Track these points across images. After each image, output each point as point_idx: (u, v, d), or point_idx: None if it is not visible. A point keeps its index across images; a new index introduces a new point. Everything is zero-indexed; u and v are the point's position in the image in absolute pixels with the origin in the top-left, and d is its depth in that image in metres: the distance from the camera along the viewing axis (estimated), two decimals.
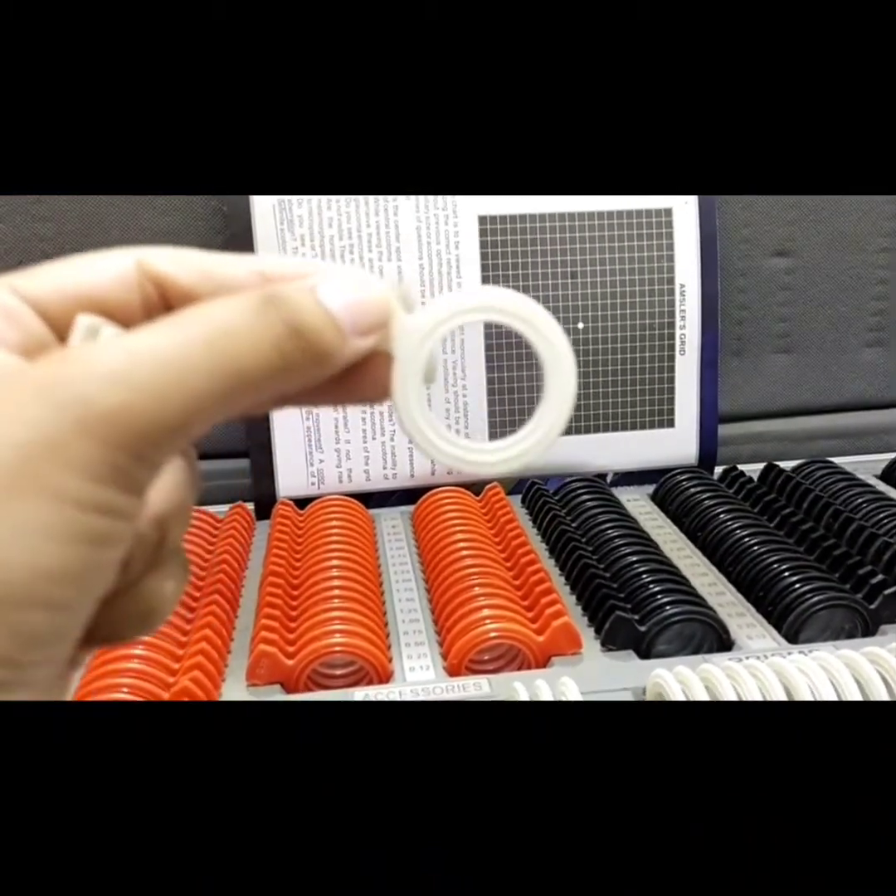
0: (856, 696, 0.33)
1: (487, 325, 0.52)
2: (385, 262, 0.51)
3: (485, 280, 0.52)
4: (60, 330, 0.17)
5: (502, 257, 0.52)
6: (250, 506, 0.53)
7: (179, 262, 0.17)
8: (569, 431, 0.53)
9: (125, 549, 0.15)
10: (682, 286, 0.54)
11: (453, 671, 0.38)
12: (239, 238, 0.50)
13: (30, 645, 0.14)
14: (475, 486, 0.53)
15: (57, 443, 0.14)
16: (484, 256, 0.52)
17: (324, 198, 0.50)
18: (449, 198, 0.51)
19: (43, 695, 0.15)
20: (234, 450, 0.56)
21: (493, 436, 0.54)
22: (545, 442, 0.18)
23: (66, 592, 0.14)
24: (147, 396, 0.14)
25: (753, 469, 0.55)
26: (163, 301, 0.18)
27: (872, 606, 0.41)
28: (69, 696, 0.17)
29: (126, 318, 0.17)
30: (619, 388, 0.54)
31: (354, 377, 0.17)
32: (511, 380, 0.53)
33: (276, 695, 0.37)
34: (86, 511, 0.14)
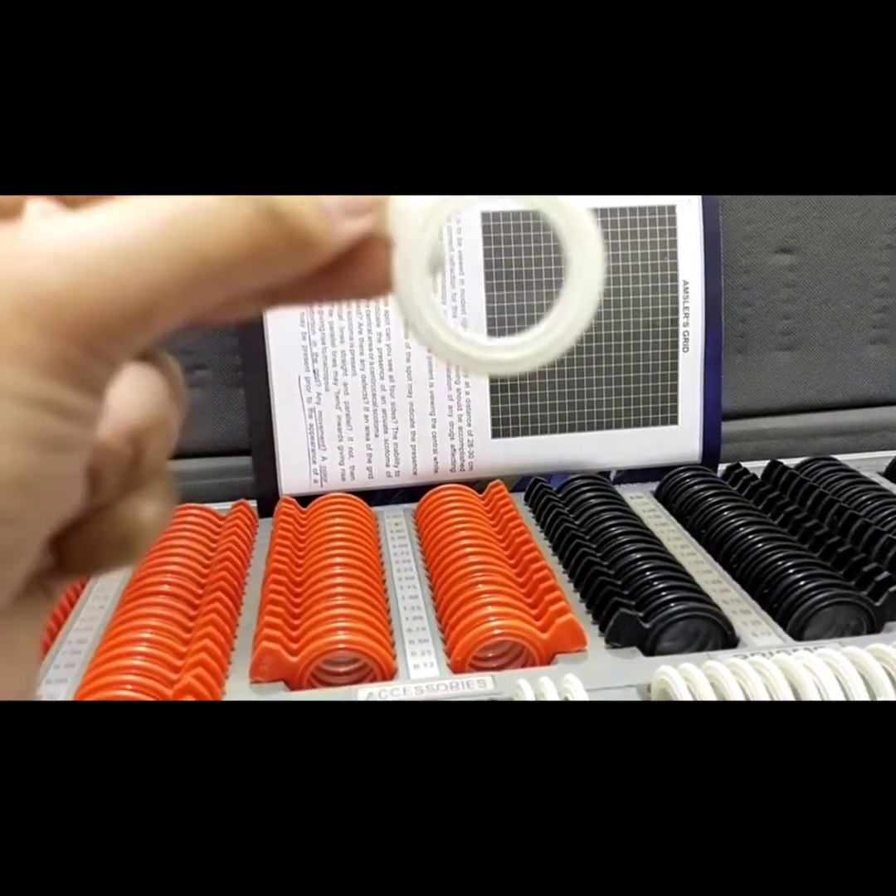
0: (862, 693, 0.33)
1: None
2: None
3: (488, 277, 0.52)
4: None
5: (505, 254, 0.52)
6: (253, 503, 0.53)
7: None
8: (572, 428, 0.53)
9: (84, 457, 0.14)
10: (686, 283, 0.54)
11: (457, 668, 0.38)
12: None
13: None
14: (478, 484, 0.53)
15: (25, 352, 0.12)
16: (487, 253, 0.52)
17: None
18: None
19: None
20: (236, 447, 0.56)
21: (495, 434, 0.54)
22: (569, 336, 0.16)
23: (14, 502, 0.13)
24: (97, 279, 0.13)
25: (757, 466, 0.55)
26: None
27: (877, 603, 0.41)
28: (38, 632, 0.16)
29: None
30: (623, 386, 0.54)
31: (350, 268, 0.15)
32: (514, 376, 0.53)
33: (279, 692, 0.37)
34: (33, 408, 0.13)
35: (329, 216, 0.14)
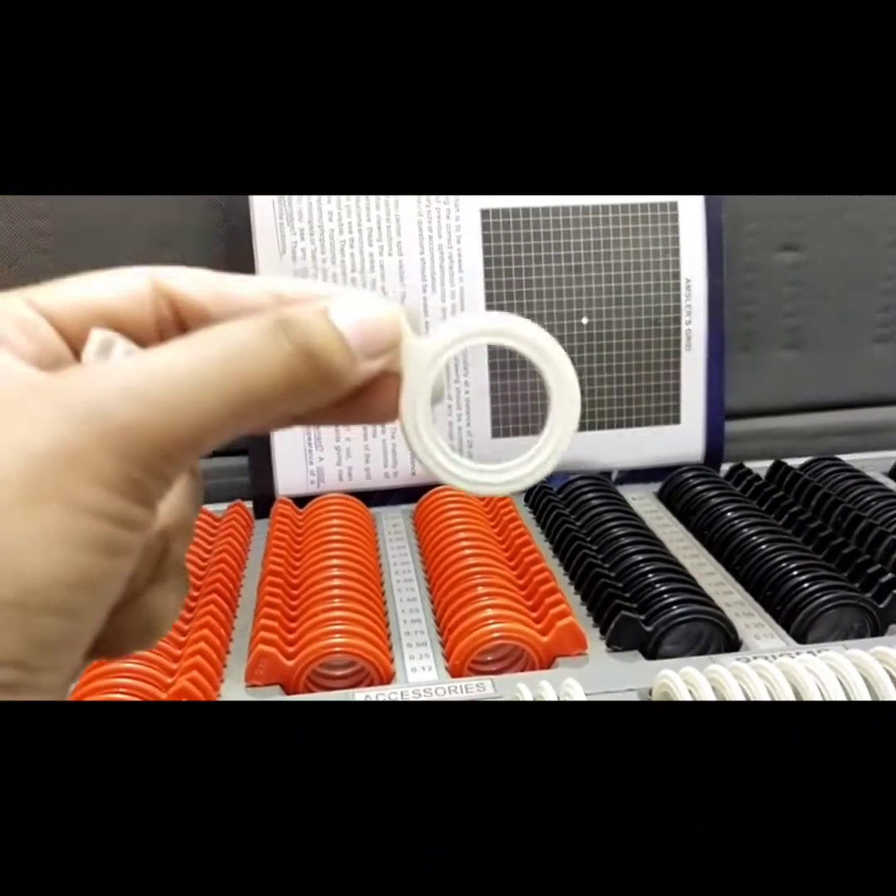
0: (865, 696, 0.32)
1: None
2: (386, 257, 0.51)
3: (487, 275, 0.52)
4: (75, 344, 0.17)
5: (505, 251, 0.51)
6: (249, 504, 0.53)
7: (194, 282, 0.18)
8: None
9: (137, 559, 0.16)
10: (688, 280, 0.53)
11: (456, 672, 0.37)
12: (238, 232, 0.50)
13: (43, 650, 0.14)
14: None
15: (75, 454, 0.14)
16: (486, 251, 0.51)
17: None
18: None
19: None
20: (231, 447, 0.55)
21: (495, 434, 0.54)
22: (546, 467, 0.19)
23: (80, 599, 0.15)
24: (162, 411, 0.15)
25: (761, 466, 0.55)
26: (176, 319, 0.18)
27: (882, 606, 0.40)
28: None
29: (139, 334, 0.18)
30: (624, 385, 0.54)
31: (364, 398, 0.18)
32: (514, 376, 0.53)
33: (275, 696, 0.37)
34: (101, 520, 0.15)
35: (354, 357, 0.17)
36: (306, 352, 0.16)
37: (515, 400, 0.53)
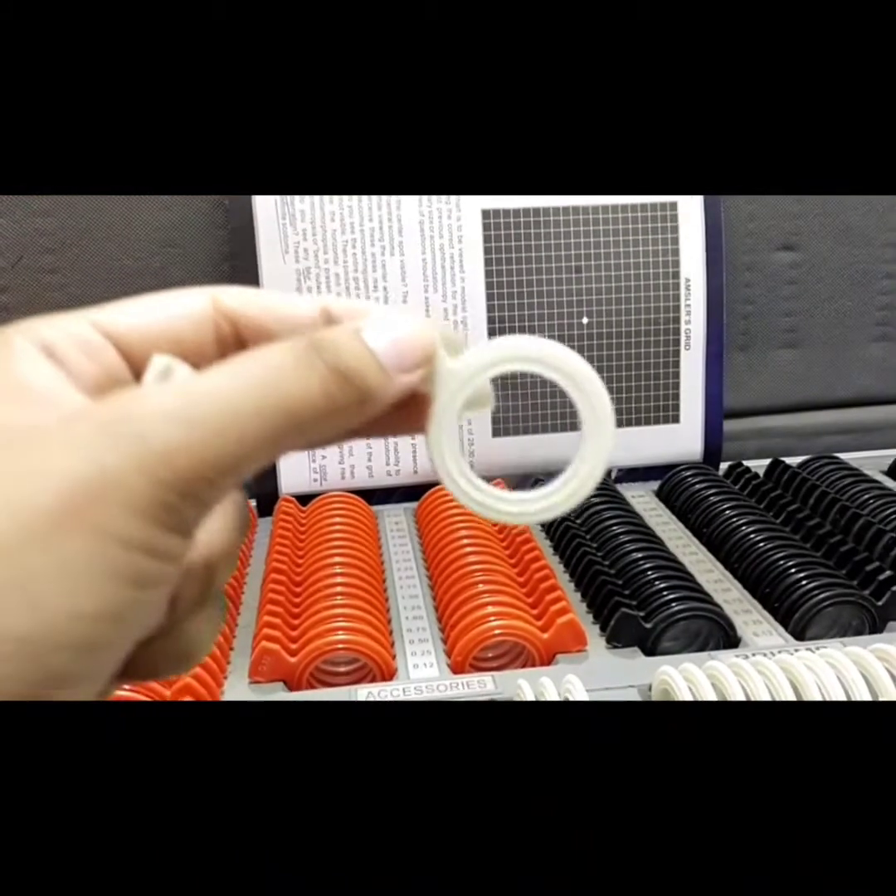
0: (864, 693, 0.32)
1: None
2: (388, 257, 0.51)
3: (488, 275, 0.52)
4: (138, 366, 0.17)
5: (506, 252, 0.52)
6: (252, 502, 0.53)
7: (253, 301, 0.18)
8: (572, 427, 0.53)
9: (169, 590, 0.15)
10: (688, 280, 0.53)
11: (457, 669, 0.38)
12: (241, 232, 0.50)
13: (62, 684, 0.14)
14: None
15: (112, 478, 0.14)
16: (487, 251, 0.52)
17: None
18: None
19: None
20: None
21: (496, 433, 0.54)
22: (573, 499, 0.18)
23: (102, 633, 0.14)
24: (201, 436, 0.15)
25: (759, 465, 0.55)
26: (236, 338, 0.18)
27: (880, 603, 0.40)
28: None
29: (200, 354, 0.18)
30: (624, 384, 0.54)
31: (402, 411, 0.18)
32: (514, 376, 0.53)
33: (278, 692, 0.37)
34: (132, 551, 0.14)
35: (388, 374, 0.17)
36: (340, 372, 0.16)
37: (515, 400, 0.53)
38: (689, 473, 0.53)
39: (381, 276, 0.51)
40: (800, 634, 0.40)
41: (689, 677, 0.33)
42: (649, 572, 0.42)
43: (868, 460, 0.56)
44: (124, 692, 0.35)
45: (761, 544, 0.44)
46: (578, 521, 0.48)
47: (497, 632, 0.38)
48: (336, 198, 0.50)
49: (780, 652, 0.36)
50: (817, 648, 0.36)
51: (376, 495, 0.53)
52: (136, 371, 0.18)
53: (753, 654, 0.36)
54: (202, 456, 0.15)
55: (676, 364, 0.54)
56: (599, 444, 0.18)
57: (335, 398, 0.16)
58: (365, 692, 0.36)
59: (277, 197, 0.50)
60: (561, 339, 0.53)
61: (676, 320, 0.53)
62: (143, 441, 0.14)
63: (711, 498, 0.50)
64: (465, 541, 0.45)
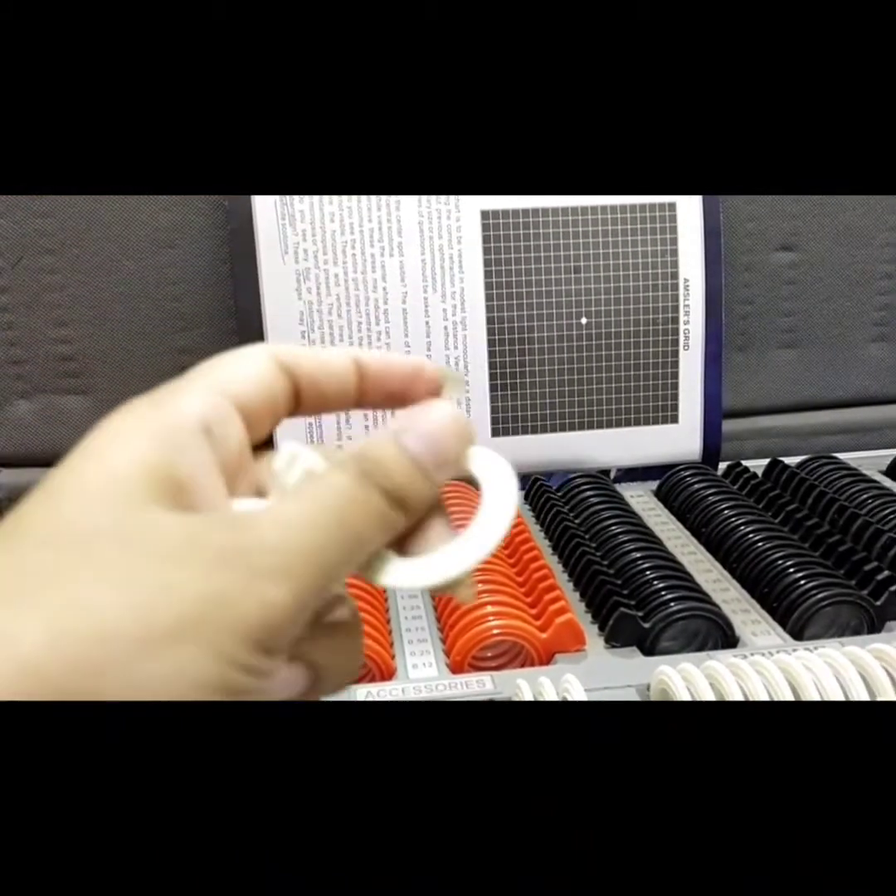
0: (862, 693, 0.32)
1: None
2: (387, 257, 0.51)
3: (487, 275, 0.52)
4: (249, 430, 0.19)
5: (505, 252, 0.52)
6: None
7: (298, 356, 0.20)
8: (571, 427, 0.53)
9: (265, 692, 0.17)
10: (686, 280, 0.53)
11: (456, 668, 0.38)
12: (240, 233, 0.50)
13: None
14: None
15: (227, 601, 0.16)
16: (487, 252, 0.52)
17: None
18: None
19: None
20: None
21: (495, 433, 0.54)
22: (466, 566, 0.19)
23: None
24: (301, 562, 0.17)
25: (758, 465, 0.55)
26: (292, 386, 0.20)
27: (878, 603, 0.40)
28: None
29: (267, 409, 0.20)
30: (623, 384, 0.54)
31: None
32: (514, 376, 0.53)
33: None
34: (235, 670, 0.16)
35: (432, 479, 0.19)
36: (391, 493, 0.18)
37: (515, 399, 0.53)
38: (687, 473, 0.53)
39: (380, 277, 0.51)
40: (798, 634, 0.40)
41: (687, 677, 0.33)
42: (648, 572, 0.42)
43: (866, 460, 0.56)
44: None
45: (760, 544, 0.44)
46: (577, 521, 0.48)
47: (496, 631, 0.38)
48: (335, 198, 0.50)
49: (778, 652, 0.36)
50: (815, 648, 0.36)
51: None
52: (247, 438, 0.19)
53: (752, 654, 0.36)
54: (302, 582, 0.16)
55: (675, 364, 0.54)
56: (494, 531, 0.19)
57: (391, 515, 0.18)
58: (364, 692, 0.36)
59: (277, 197, 0.50)
60: (559, 339, 0.53)
61: (675, 320, 0.53)
62: (254, 571, 0.16)
63: (710, 498, 0.50)
64: None
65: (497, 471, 0.20)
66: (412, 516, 0.19)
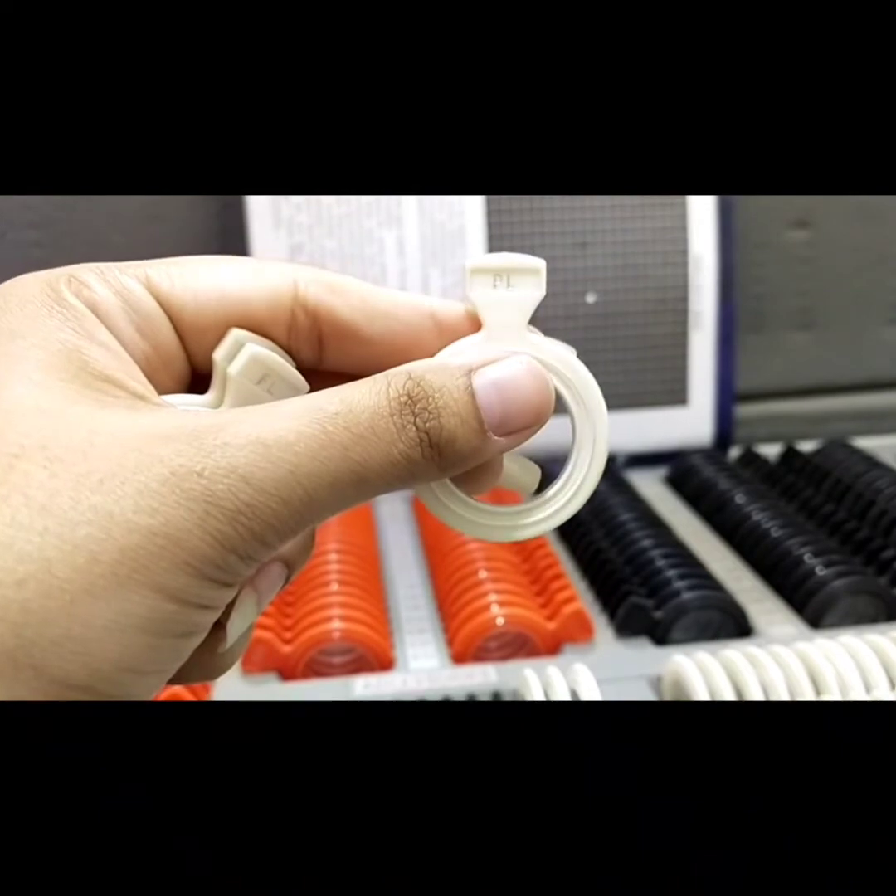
0: (883, 683, 0.31)
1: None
2: (385, 231, 0.49)
3: (491, 250, 0.50)
4: (194, 342, 0.16)
5: (508, 227, 0.50)
6: None
7: (341, 293, 0.16)
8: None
9: (204, 634, 0.15)
10: (698, 258, 0.52)
11: (459, 659, 0.36)
12: (231, 205, 0.49)
13: None
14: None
15: (177, 537, 0.14)
16: (489, 227, 0.50)
17: None
18: None
19: None
20: None
21: None
22: (571, 508, 0.18)
23: (147, 682, 0.14)
24: (269, 501, 0.14)
25: (770, 450, 0.54)
26: (314, 326, 0.16)
27: None
28: None
29: (266, 333, 0.16)
30: (631, 366, 0.52)
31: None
32: None
33: (271, 683, 0.35)
34: (185, 607, 0.14)
35: (489, 440, 0.15)
36: (432, 440, 0.15)
37: None
38: (699, 459, 0.51)
39: (377, 251, 0.49)
40: (815, 623, 0.39)
41: (702, 667, 0.32)
42: (659, 560, 0.40)
43: (883, 446, 0.54)
44: None
45: (774, 531, 0.43)
46: (584, 508, 0.47)
47: (500, 620, 0.36)
48: None
49: (794, 641, 0.34)
50: (834, 638, 0.35)
51: None
52: (192, 349, 0.16)
53: (767, 644, 0.34)
54: (268, 521, 0.14)
55: (685, 345, 0.52)
56: (596, 450, 0.18)
57: (417, 465, 0.15)
58: (362, 682, 0.34)
59: None
60: (565, 317, 0.51)
61: (686, 300, 0.52)
62: (211, 502, 0.14)
63: (722, 484, 0.48)
64: None
65: (587, 379, 0.17)
66: (448, 474, 0.15)
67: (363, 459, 0.14)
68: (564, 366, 0.17)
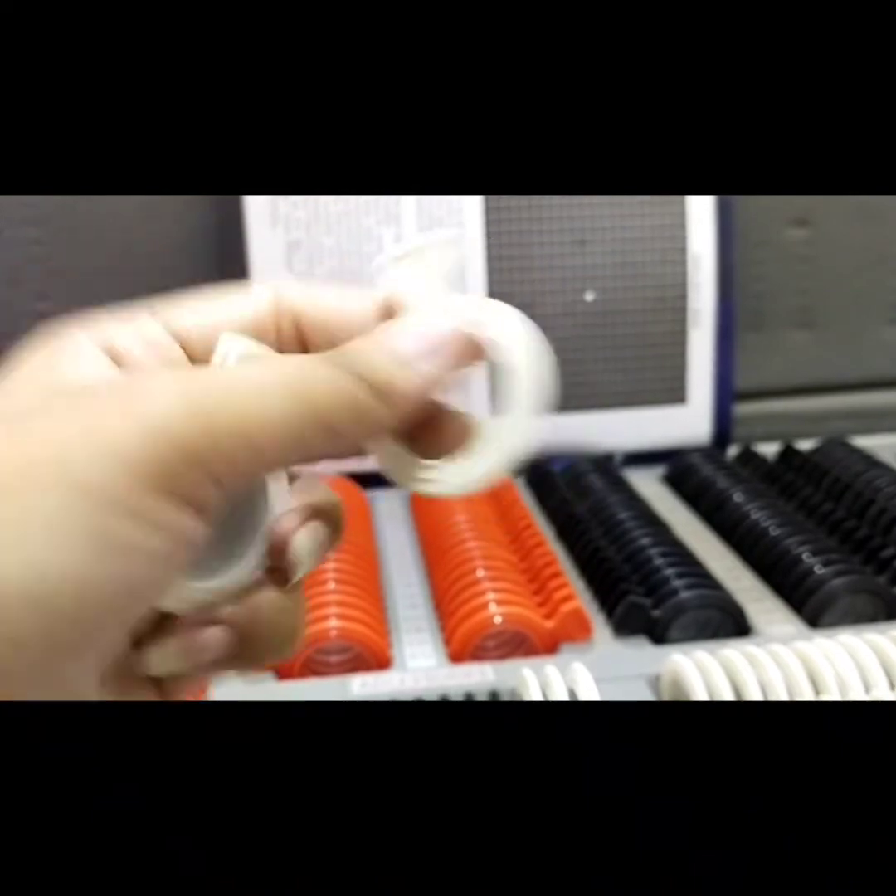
0: (883, 683, 0.31)
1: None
2: (383, 228, 0.49)
3: (489, 248, 0.50)
4: (200, 358, 0.18)
5: (506, 224, 0.50)
6: None
7: (312, 299, 0.19)
8: (574, 409, 0.52)
9: (169, 574, 0.15)
10: (697, 256, 0.52)
11: (456, 658, 0.36)
12: (228, 203, 0.49)
13: (66, 651, 0.14)
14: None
15: (104, 437, 0.14)
16: (488, 224, 0.50)
17: None
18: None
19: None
20: None
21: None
22: (484, 466, 0.18)
23: (94, 598, 0.14)
24: (223, 422, 0.15)
25: (770, 449, 0.54)
26: (298, 336, 0.19)
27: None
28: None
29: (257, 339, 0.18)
30: (629, 364, 0.52)
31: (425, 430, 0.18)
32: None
33: (268, 681, 0.35)
34: (121, 515, 0.14)
35: (423, 371, 0.17)
36: (370, 381, 0.16)
37: None
38: (697, 458, 0.52)
39: (375, 250, 0.49)
40: (813, 622, 0.39)
41: (701, 666, 0.32)
42: (657, 559, 0.41)
43: (882, 445, 0.54)
44: None
45: (773, 530, 0.43)
46: (582, 507, 0.47)
47: (498, 619, 0.36)
48: None
49: (793, 640, 0.34)
50: (833, 637, 0.35)
51: (371, 480, 0.52)
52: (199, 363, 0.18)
53: (766, 643, 0.34)
54: (212, 433, 0.14)
55: (684, 343, 0.52)
56: (520, 408, 0.18)
57: (359, 399, 0.16)
58: (359, 681, 0.34)
59: None
60: (563, 315, 0.51)
61: (685, 297, 0.52)
62: (146, 410, 0.14)
63: (721, 483, 0.48)
64: (464, 526, 0.43)
65: (510, 332, 0.18)
66: (401, 410, 0.17)
67: (309, 393, 0.16)
68: (482, 321, 0.17)
